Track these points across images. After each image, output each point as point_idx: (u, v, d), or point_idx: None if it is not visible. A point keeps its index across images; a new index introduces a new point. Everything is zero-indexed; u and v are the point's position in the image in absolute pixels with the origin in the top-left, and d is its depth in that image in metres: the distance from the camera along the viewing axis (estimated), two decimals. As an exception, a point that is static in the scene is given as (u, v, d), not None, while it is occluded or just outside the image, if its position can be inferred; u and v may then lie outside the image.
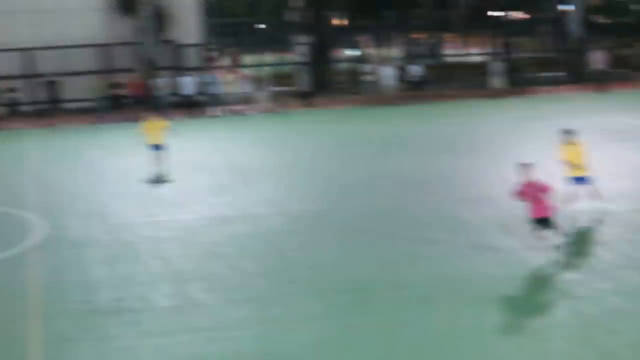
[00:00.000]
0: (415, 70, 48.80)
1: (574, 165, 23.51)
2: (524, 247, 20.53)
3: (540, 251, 20.06)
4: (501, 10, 73.94)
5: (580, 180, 23.58)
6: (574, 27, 54.51)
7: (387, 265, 19.71)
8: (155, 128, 29.92)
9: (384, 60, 52.38)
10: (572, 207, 23.24)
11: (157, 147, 29.87)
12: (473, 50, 66.44)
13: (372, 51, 60.94)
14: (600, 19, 78.10)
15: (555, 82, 53.24)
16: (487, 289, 17.89)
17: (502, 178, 26.11)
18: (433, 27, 63.98)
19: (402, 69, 49.12)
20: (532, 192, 19.52)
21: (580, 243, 20.89)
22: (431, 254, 20.44)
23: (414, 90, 47.70)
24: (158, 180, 29.15)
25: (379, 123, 39.14)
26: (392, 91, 46.50)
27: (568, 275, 18.48)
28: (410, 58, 54.94)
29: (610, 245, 20.57)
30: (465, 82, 53.72)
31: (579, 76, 53.08)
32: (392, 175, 28.76)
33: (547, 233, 19.74)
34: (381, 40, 61.16)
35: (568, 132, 23.68)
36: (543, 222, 19.65)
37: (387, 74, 47.03)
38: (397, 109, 43.18)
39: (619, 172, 28.41)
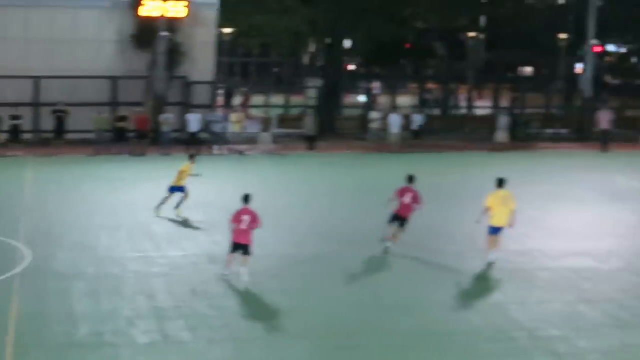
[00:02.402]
0: (418, 119, 48.98)
1: (494, 214, 23.49)
2: (510, 301, 20.57)
3: (527, 306, 20.11)
4: (515, 65, 74.41)
5: (496, 230, 23.62)
6: (585, 86, 54.63)
7: (372, 312, 19.70)
8: (180, 170, 29.67)
9: (393, 108, 52.55)
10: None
11: (175, 189, 29.57)
12: (482, 103, 66.70)
13: (382, 98, 61.19)
14: (612, 79, 78.50)
15: (560, 139, 53.33)
16: (469, 340, 17.90)
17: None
18: (446, 78, 64.18)
19: (408, 118, 49.27)
20: None
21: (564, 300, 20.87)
22: (415, 304, 20.43)
23: (415, 139, 47.87)
24: (153, 215, 29.11)
25: (379, 170, 39.18)
26: (397, 139, 46.61)
27: (551, 332, 18.46)
28: (418, 107, 55.10)
29: (595, 303, 20.54)
30: (471, 134, 53.84)
31: (584, 134, 53.17)
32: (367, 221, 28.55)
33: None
34: (393, 88, 61.43)
35: (500, 182, 23.78)
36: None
37: (395, 122, 47.17)
38: (399, 158, 43.27)
39: (610, 231, 28.46)
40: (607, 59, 67.55)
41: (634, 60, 62.74)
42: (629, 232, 28.41)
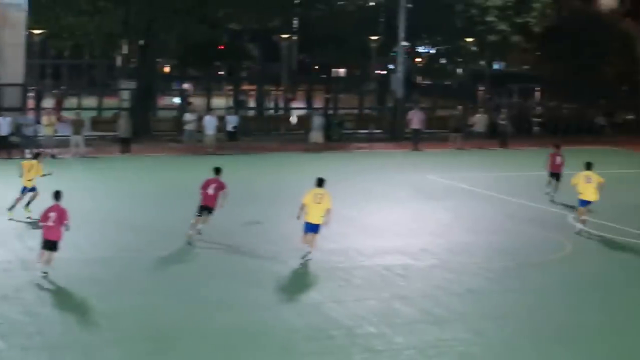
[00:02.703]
0: (233, 120, 48.94)
1: (310, 212, 23.90)
2: (327, 300, 20.73)
3: (344, 304, 20.31)
4: (329, 66, 75.26)
5: (311, 227, 23.99)
6: (397, 86, 55.74)
7: (189, 314, 19.54)
8: (28, 170, 28.83)
9: (208, 110, 52.33)
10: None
11: (27, 190, 28.72)
12: (297, 104, 67.28)
13: (196, 100, 60.83)
14: (423, 80, 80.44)
15: (373, 139, 54.27)
16: (287, 339, 17.95)
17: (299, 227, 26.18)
18: (260, 79, 64.35)
19: (223, 119, 49.15)
20: None
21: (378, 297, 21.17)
22: (233, 303, 20.37)
23: (230, 141, 47.84)
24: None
25: (194, 172, 38.87)
26: (212, 141, 46.43)
27: (368, 329, 18.68)
28: (233, 109, 55.10)
29: (410, 300, 20.92)
30: (286, 135, 54.23)
31: (396, 134, 54.26)
32: (185, 221, 28.44)
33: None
34: (207, 89, 61.21)
35: (319, 181, 24.26)
36: None
37: (209, 124, 46.93)
38: (215, 159, 43.08)
39: (423, 229, 29.10)
40: (418, 60, 69.06)
41: (443, 61, 64.34)
42: (442, 229, 29.09)
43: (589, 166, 29.06)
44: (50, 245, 21.93)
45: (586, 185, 28.56)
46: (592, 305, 21.21)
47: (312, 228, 23.96)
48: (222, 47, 64.79)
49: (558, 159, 35.14)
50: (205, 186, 26.26)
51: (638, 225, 29.95)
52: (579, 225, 28.93)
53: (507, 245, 27.02)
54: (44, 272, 21.78)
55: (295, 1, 57.18)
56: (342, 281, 22.49)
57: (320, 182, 24.23)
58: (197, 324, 18.83)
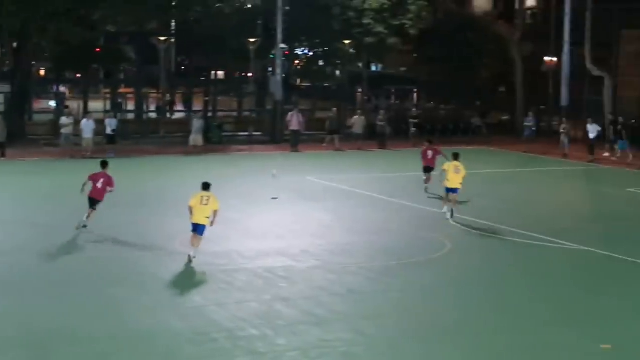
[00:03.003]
0: (111, 123, 48.40)
1: (195, 213, 24.24)
2: (209, 303, 20.65)
3: (226, 307, 20.24)
4: (208, 69, 74.89)
5: (196, 227, 24.30)
6: (276, 89, 55.79)
7: (68, 319, 19.23)
8: None
9: (85, 113, 51.63)
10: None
11: None
12: (177, 106, 66.89)
13: (74, 103, 59.94)
14: (301, 82, 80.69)
15: (253, 142, 54.35)
16: (169, 343, 17.82)
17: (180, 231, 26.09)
18: (138, 82, 63.66)
19: (102, 123, 48.62)
20: None
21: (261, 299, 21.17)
22: (114, 308, 20.13)
23: (108, 144, 47.33)
24: None
25: (71, 176, 38.32)
26: (90, 144, 45.82)
27: (250, 331, 18.65)
28: (111, 112, 54.54)
29: (292, 301, 20.96)
30: (166, 138, 53.88)
31: (276, 136, 54.38)
32: (65, 226, 28.03)
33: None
34: (84, 92, 60.37)
35: (205, 185, 24.61)
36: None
37: (87, 127, 46.33)
38: (93, 162, 42.60)
39: (304, 230, 29.22)
40: (297, 62, 69.21)
41: (321, 63, 64.64)
42: (323, 230, 29.23)
43: (456, 157, 31.92)
44: None
45: (455, 175, 31.26)
46: (472, 302, 21.54)
47: (197, 229, 24.14)
48: (99, 49, 63.92)
49: (429, 154, 36.75)
50: (95, 178, 27.91)
51: (514, 223, 30.55)
52: (446, 209, 31.55)
53: (387, 245, 27.28)
54: None
55: (173, 3, 56.70)
56: (224, 284, 22.43)
57: (206, 186, 24.51)
58: (76, 330, 18.51)
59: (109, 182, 27.92)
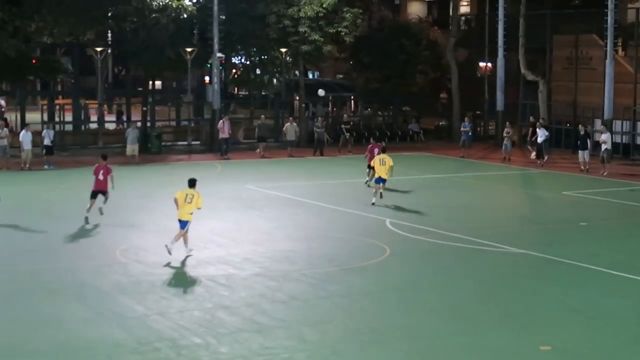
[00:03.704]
0: (50, 134, 48.09)
1: (180, 209, 25.89)
2: (151, 312, 20.65)
3: (168, 316, 20.27)
4: (144, 79, 74.55)
5: (180, 223, 25.93)
6: (213, 98, 55.84)
7: (5, 333, 19.14)
8: None
9: (24, 125, 51.21)
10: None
11: None
12: (114, 117, 66.52)
13: (9, 115, 59.39)
14: (239, 91, 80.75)
15: (192, 151, 54.42)
16: (111, 354, 17.81)
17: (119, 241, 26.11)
18: (75, 93, 63.19)
19: (39, 134, 48.33)
20: None
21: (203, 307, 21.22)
22: (54, 319, 20.05)
23: (46, 155, 47.04)
24: None
25: (11, 189, 38.11)
26: (28, 156, 45.48)
27: (193, 340, 18.70)
28: (49, 123, 54.14)
29: (233, 309, 21.03)
30: (104, 148, 53.59)
31: (214, 145, 54.41)
32: (15, 236, 27.96)
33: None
34: (21, 104, 59.80)
35: (191, 182, 26.34)
36: None
37: (25, 139, 45.98)
38: (32, 175, 42.46)
39: (245, 238, 29.29)
40: (234, 70, 69.12)
41: (258, 71, 64.65)
42: (263, 238, 29.32)
43: (384, 150, 36.53)
44: None
45: (381, 167, 35.14)
46: (413, 306, 21.76)
47: (180, 224, 25.79)
48: (35, 61, 63.39)
49: (376, 150, 38.20)
50: (96, 171, 30.97)
51: (452, 228, 30.89)
52: (375, 199, 34.82)
53: (328, 251, 27.45)
54: None
55: (109, 14, 56.37)
56: (165, 293, 22.45)
57: (192, 183, 26.25)
58: (14, 343, 18.46)
59: (107, 171, 30.93)
